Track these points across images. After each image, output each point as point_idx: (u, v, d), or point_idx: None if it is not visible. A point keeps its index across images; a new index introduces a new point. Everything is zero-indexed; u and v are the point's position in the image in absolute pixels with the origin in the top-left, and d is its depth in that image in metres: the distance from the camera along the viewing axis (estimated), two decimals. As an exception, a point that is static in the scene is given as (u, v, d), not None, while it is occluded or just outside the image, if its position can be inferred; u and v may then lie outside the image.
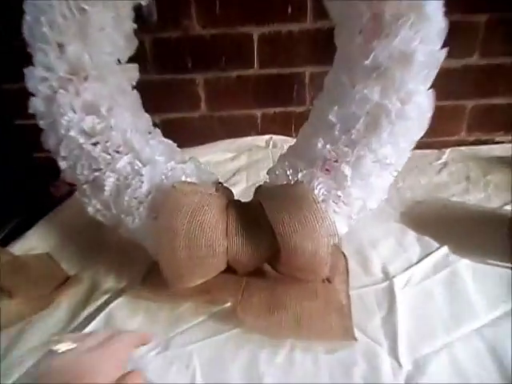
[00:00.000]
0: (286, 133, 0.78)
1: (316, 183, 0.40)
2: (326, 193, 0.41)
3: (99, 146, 0.43)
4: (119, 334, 0.28)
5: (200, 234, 0.40)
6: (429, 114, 0.42)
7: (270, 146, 0.78)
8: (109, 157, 0.43)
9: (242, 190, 0.68)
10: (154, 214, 0.41)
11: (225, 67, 0.72)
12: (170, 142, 0.49)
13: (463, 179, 0.66)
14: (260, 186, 0.46)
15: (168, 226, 0.40)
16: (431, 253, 0.49)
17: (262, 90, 0.74)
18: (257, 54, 0.71)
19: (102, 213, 0.44)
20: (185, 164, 0.45)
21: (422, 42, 0.39)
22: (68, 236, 0.53)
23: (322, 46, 0.67)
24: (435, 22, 0.40)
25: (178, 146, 0.78)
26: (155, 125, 0.75)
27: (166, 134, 0.79)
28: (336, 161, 0.41)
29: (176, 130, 0.78)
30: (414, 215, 0.57)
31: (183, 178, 0.43)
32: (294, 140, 0.77)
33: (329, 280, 0.43)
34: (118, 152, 0.43)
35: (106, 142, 0.43)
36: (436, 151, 0.74)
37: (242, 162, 0.75)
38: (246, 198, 0.65)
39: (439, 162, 0.72)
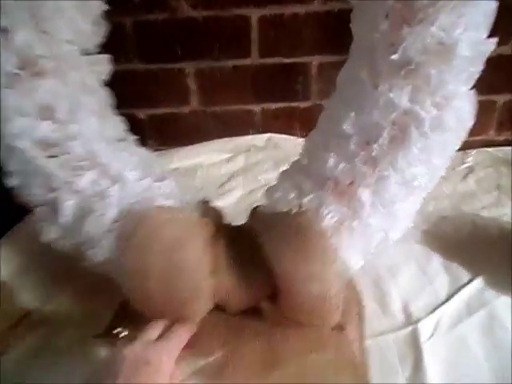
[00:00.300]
0: (289, 131, 0.70)
1: (326, 211, 0.32)
2: (338, 223, 0.32)
3: (56, 160, 0.35)
4: (174, 328, 0.31)
5: (180, 273, 0.32)
6: (470, 123, 0.33)
7: (271, 147, 0.69)
8: (68, 173, 0.34)
9: (238, 198, 0.60)
10: (123, 247, 0.33)
11: (219, 56, 0.64)
12: (146, 152, 0.40)
13: (493, 188, 0.57)
14: (256, 208, 0.37)
15: (139, 264, 0.32)
16: (462, 286, 0.41)
17: (262, 83, 0.66)
18: (256, 40, 0.62)
19: (61, 242, 0.36)
20: (163, 181, 0.36)
21: (467, 30, 0.30)
22: (31, 260, 0.46)
23: (333, 32, 0.60)
24: (483, 3, 0.31)
25: (166, 146, 0.71)
26: (138, 122, 0.68)
27: (152, 132, 0.71)
28: (351, 183, 0.32)
29: (163, 127, 0.70)
30: (439, 235, 0.48)
31: (160, 201, 0.34)
32: (298, 140, 0.70)
33: (340, 328, 0.35)
34: (79, 167, 0.35)
35: (65, 154, 0.35)
36: (459, 153, 0.65)
37: (238, 164, 0.67)
38: (243, 207, 0.57)
39: (464, 166, 0.63)
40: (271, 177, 0.63)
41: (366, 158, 0.32)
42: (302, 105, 0.67)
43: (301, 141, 0.69)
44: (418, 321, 0.37)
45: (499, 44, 0.62)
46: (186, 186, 0.39)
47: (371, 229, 0.33)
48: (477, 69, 0.32)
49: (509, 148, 0.66)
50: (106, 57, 0.41)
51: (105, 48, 0.58)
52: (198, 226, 0.34)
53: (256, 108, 0.68)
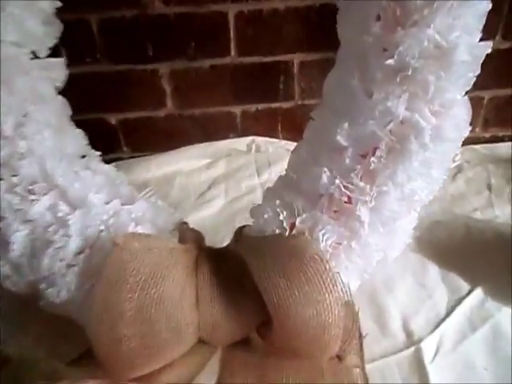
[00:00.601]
0: (272, 134, 0.66)
1: (322, 232, 0.29)
2: (335, 244, 0.29)
3: (3, 184, 0.30)
4: None
5: (158, 312, 0.28)
6: (467, 131, 0.31)
7: (253, 150, 0.65)
8: (17, 199, 0.30)
9: (220, 208, 0.56)
10: (89, 284, 0.29)
11: (195, 55, 0.59)
12: (112, 168, 0.36)
13: (484, 188, 0.55)
14: (241, 230, 0.34)
15: (109, 304, 0.28)
16: (462, 298, 0.38)
17: (242, 83, 0.62)
18: (234, 37, 0.58)
19: (12, 280, 0.31)
20: (134, 204, 0.32)
21: (464, 33, 0.28)
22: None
23: (314, 28, 0.56)
24: (477, 4, 0.28)
25: (142, 152, 0.66)
26: (110, 128, 0.63)
27: (125, 138, 0.66)
28: (348, 200, 0.29)
29: (138, 132, 0.64)
30: (433, 242, 0.46)
31: (131, 228, 0.30)
32: (281, 142, 0.67)
33: (340, 358, 0.32)
34: (31, 192, 0.30)
35: (13, 176, 0.30)
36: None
37: (219, 170, 0.62)
38: (225, 218, 0.54)
39: (453, 165, 0.60)
40: (254, 183, 0.60)
41: (363, 172, 0.28)
42: (285, 105, 0.64)
43: (284, 143, 0.66)
44: (420, 340, 0.34)
45: (486, 39, 0.60)
46: (161, 207, 0.34)
47: (370, 248, 0.30)
48: (474, 74, 0.30)
49: (495, 145, 0.65)
50: (60, 60, 0.35)
51: (69, 48, 0.52)
52: (177, 253, 0.30)
53: (236, 110, 0.64)
